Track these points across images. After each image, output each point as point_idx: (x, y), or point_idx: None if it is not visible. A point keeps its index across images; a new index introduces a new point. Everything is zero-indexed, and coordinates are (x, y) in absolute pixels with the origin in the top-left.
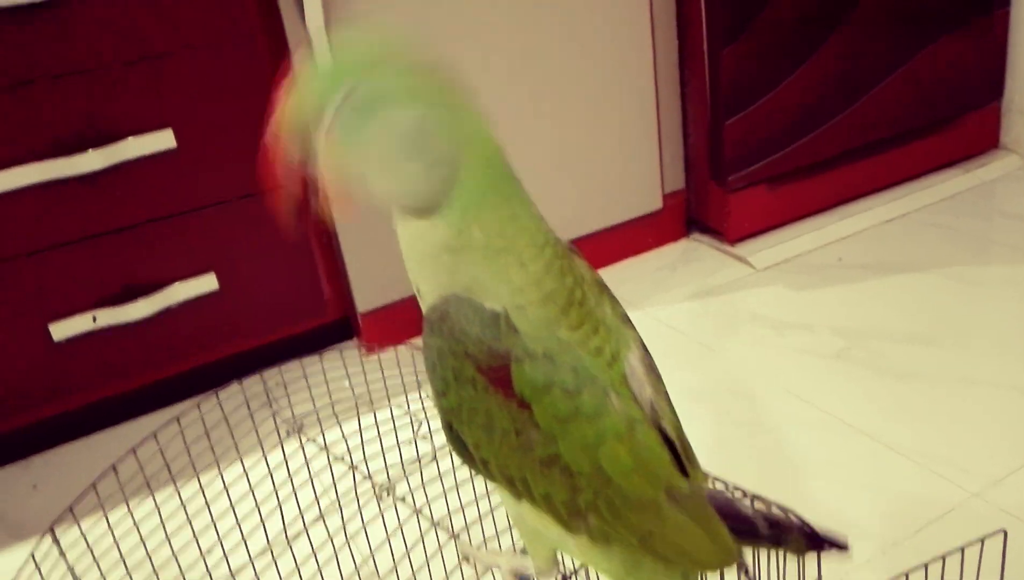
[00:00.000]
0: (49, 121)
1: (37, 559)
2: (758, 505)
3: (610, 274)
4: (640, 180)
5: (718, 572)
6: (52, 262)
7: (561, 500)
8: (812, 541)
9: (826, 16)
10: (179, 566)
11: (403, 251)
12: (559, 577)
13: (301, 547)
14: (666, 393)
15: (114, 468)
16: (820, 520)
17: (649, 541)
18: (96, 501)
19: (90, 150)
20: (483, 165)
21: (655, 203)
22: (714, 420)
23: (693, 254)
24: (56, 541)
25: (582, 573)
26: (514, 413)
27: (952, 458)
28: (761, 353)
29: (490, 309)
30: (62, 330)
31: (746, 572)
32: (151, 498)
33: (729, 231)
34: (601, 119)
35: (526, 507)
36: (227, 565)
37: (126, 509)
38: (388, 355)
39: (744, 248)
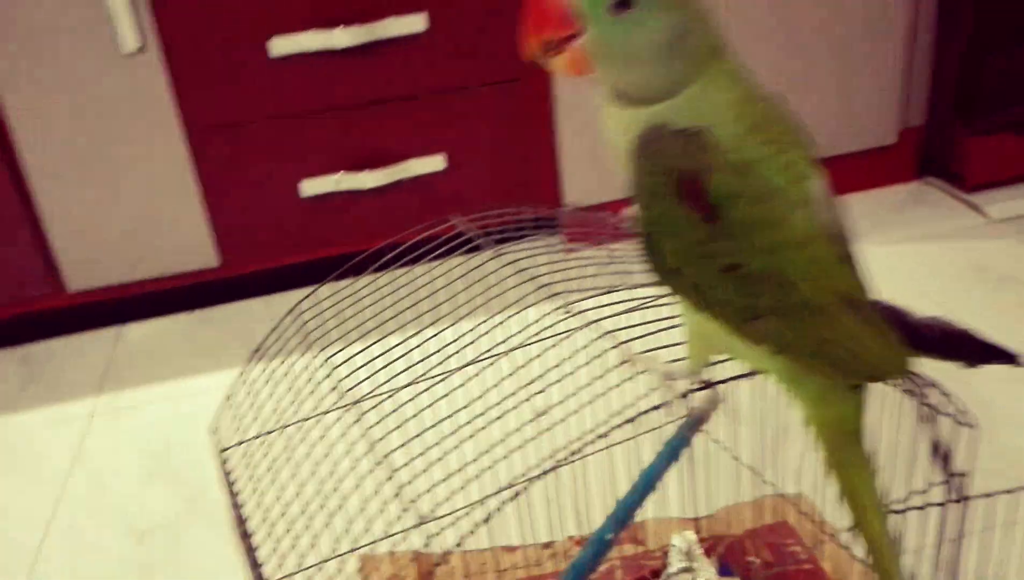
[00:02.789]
0: None
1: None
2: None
3: None
4: (876, 109)
5: (893, 378)
6: (311, 125)
7: (740, 306)
8: (983, 353)
9: None
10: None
11: (611, 133)
12: (703, 381)
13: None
14: (845, 221)
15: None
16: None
17: (825, 348)
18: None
19: (353, 25)
20: (717, 67)
21: (890, 137)
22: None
23: (924, 197)
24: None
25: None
26: (703, 224)
27: None
28: (976, 304)
29: (688, 129)
30: (311, 187)
31: (915, 383)
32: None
33: (968, 176)
34: (847, 38)
35: (702, 316)
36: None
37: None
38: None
39: (981, 197)
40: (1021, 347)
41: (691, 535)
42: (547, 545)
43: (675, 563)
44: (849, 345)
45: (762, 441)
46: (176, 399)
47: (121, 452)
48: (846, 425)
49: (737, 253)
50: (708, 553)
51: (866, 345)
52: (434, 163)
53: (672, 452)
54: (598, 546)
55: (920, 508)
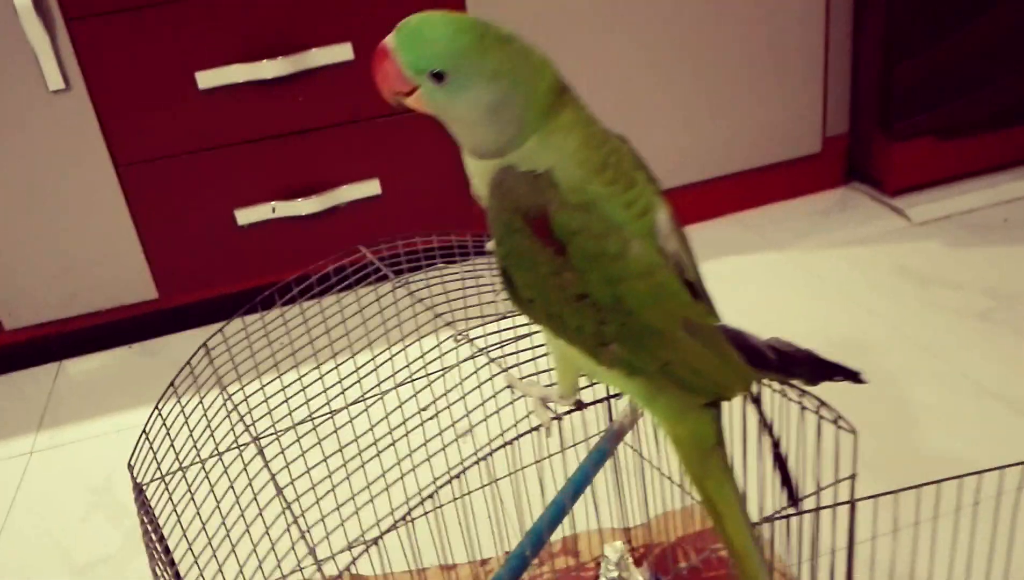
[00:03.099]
0: (246, 30)
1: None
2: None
3: (760, 214)
4: (801, 120)
5: (737, 395)
6: (242, 155)
7: (590, 332)
8: (822, 371)
9: None
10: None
11: (472, 177)
12: (576, 402)
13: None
14: (690, 250)
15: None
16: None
17: (669, 368)
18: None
19: (279, 57)
20: (555, 120)
21: (814, 146)
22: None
23: (849, 202)
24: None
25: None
26: (552, 257)
27: None
28: (901, 305)
29: (534, 171)
30: (246, 216)
31: (756, 400)
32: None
33: (889, 181)
34: (764, 53)
35: (562, 342)
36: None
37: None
38: None
39: (903, 201)
40: (952, 345)
41: (620, 545)
42: (484, 562)
43: (606, 574)
44: (692, 366)
45: None
46: (117, 433)
47: (61, 488)
48: (702, 441)
49: (583, 284)
50: (639, 562)
51: (708, 366)
52: (369, 188)
53: (594, 465)
54: (517, 561)
55: (783, 518)
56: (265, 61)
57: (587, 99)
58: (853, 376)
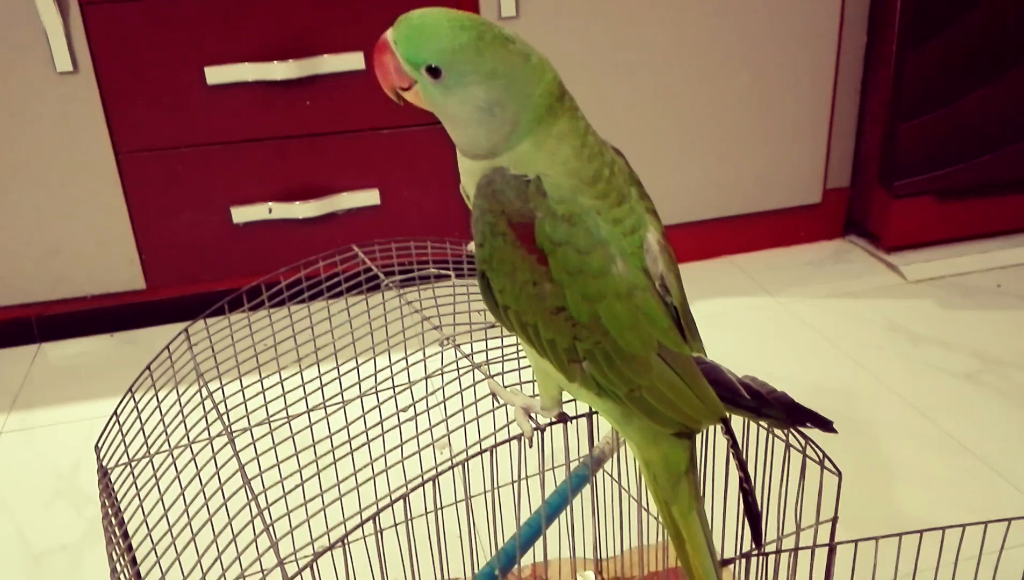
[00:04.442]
0: (260, 30)
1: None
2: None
3: (756, 259)
4: (803, 170)
5: (705, 428)
6: (244, 153)
7: (563, 347)
8: (795, 416)
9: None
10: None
11: (462, 176)
12: (558, 414)
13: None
14: (677, 272)
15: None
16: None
17: (637, 394)
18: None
19: (290, 60)
20: (549, 125)
21: (814, 196)
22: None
23: (845, 255)
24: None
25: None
26: (533, 265)
27: None
28: (889, 361)
29: (525, 176)
30: (242, 215)
31: (729, 432)
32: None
33: (887, 237)
34: (773, 101)
35: (536, 352)
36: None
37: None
38: None
39: (899, 257)
40: (937, 404)
41: (590, 575)
42: None
43: None
44: (662, 394)
45: None
46: (90, 421)
47: (28, 472)
48: (673, 467)
49: (561, 298)
50: None
51: (678, 396)
52: (368, 197)
53: (572, 489)
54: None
55: (761, 555)
56: (276, 62)
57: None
58: (825, 424)
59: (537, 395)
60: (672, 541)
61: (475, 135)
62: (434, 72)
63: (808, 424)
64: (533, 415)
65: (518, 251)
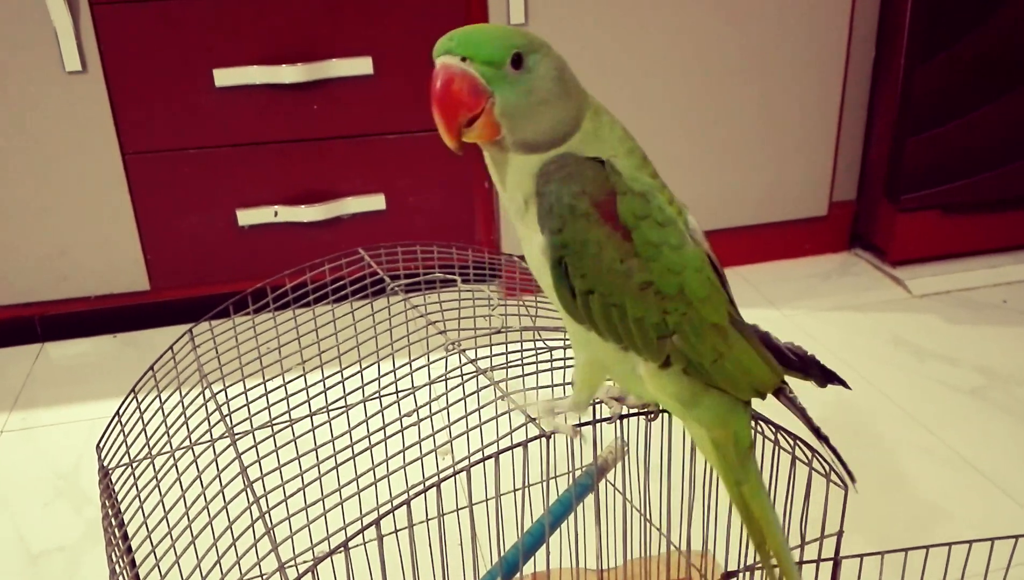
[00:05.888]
0: (270, 34)
1: (191, 403)
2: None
3: (761, 271)
4: (809, 182)
5: (766, 395)
6: (251, 156)
7: (652, 322)
8: (825, 376)
9: None
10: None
11: (505, 179)
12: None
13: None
14: (714, 254)
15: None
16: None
17: (720, 363)
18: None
19: (299, 64)
20: (594, 106)
21: (820, 209)
22: (829, 432)
23: (850, 268)
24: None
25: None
26: (619, 242)
27: None
28: (894, 376)
29: (597, 157)
30: (248, 217)
31: (787, 394)
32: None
33: (892, 251)
34: (781, 114)
35: (598, 346)
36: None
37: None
38: None
39: (904, 271)
40: (942, 418)
41: None
42: None
43: None
44: (739, 361)
45: (669, 497)
46: (91, 421)
47: (28, 471)
48: (741, 444)
49: (648, 272)
50: None
51: (751, 361)
52: (374, 202)
53: (576, 498)
54: None
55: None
56: (285, 66)
57: None
58: (843, 383)
59: (558, 397)
60: (747, 525)
61: (555, 115)
62: (517, 61)
63: (834, 383)
64: (558, 413)
65: (603, 229)
